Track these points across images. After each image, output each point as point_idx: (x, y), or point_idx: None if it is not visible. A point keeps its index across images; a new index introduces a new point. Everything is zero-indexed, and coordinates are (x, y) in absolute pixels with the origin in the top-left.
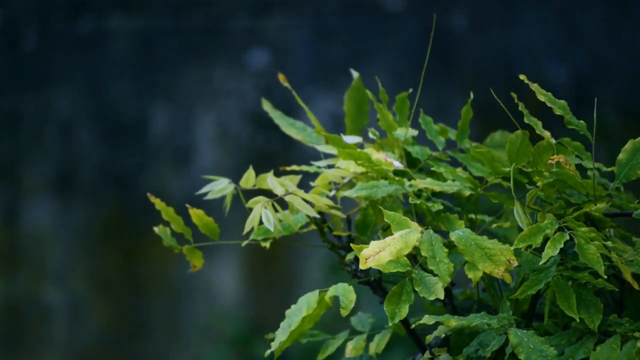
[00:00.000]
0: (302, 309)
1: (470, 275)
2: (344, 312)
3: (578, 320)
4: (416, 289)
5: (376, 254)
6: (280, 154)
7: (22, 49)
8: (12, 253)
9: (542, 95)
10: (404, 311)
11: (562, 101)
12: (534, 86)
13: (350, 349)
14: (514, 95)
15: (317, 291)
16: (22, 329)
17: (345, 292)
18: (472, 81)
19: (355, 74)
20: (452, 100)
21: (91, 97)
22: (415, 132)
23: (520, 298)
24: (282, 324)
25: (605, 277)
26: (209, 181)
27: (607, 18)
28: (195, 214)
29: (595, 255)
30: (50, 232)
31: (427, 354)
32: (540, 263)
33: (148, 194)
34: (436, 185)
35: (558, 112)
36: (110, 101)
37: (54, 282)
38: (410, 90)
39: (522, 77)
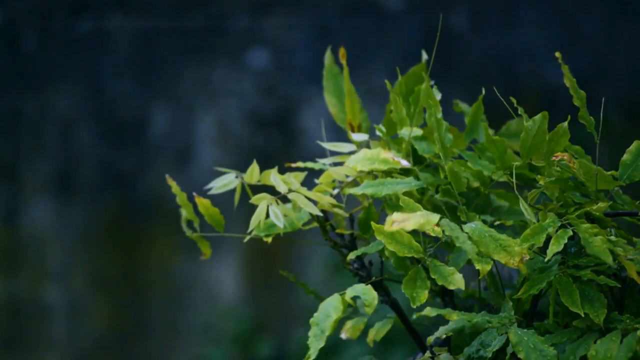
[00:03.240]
0: (331, 314)
1: (478, 266)
2: (368, 310)
3: (583, 315)
4: (432, 276)
5: (402, 221)
6: (280, 153)
7: (22, 49)
8: (12, 253)
9: (569, 80)
10: (422, 296)
11: (583, 92)
12: (565, 68)
13: (348, 328)
14: (513, 100)
15: (336, 295)
16: (22, 329)
17: (365, 292)
18: (472, 81)
19: (425, 56)
20: (451, 100)
21: (91, 97)
22: (420, 132)
23: (523, 298)
24: (312, 333)
25: (615, 265)
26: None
27: (607, 18)
28: (202, 203)
29: (602, 246)
30: (50, 232)
31: (427, 354)
32: (546, 259)
33: (166, 176)
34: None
35: (576, 102)
36: (110, 101)
37: (54, 282)
38: (433, 82)
39: (557, 54)
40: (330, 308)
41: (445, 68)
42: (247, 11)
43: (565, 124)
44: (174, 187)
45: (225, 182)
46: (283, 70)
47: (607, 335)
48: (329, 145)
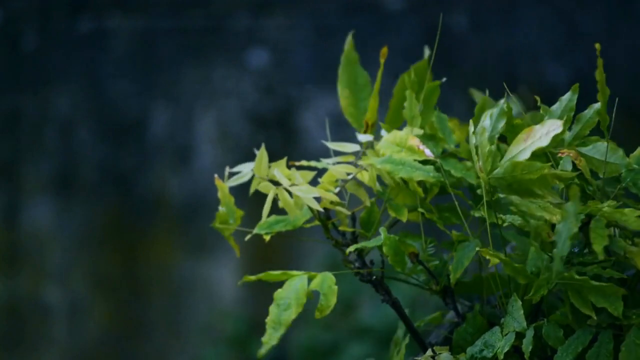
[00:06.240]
0: (291, 306)
1: (487, 256)
2: (318, 315)
3: (595, 317)
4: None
5: None
6: (280, 153)
7: (22, 49)
8: (12, 253)
9: (599, 74)
10: None
11: (608, 89)
12: (599, 61)
13: None
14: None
15: (304, 277)
16: (22, 329)
17: (327, 289)
18: (472, 81)
19: (427, 52)
20: (451, 100)
21: (91, 97)
22: (420, 132)
23: (534, 299)
24: (270, 318)
25: None
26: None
27: (607, 18)
28: (222, 187)
29: (634, 217)
30: (50, 232)
31: (428, 352)
32: (601, 258)
33: (216, 175)
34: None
35: (600, 98)
36: (110, 101)
37: (54, 282)
38: (444, 79)
39: (597, 45)
40: (292, 295)
41: (445, 68)
42: (247, 11)
43: (597, 104)
44: (217, 181)
45: (240, 174)
46: (283, 70)
47: (627, 337)
48: (333, 145)
